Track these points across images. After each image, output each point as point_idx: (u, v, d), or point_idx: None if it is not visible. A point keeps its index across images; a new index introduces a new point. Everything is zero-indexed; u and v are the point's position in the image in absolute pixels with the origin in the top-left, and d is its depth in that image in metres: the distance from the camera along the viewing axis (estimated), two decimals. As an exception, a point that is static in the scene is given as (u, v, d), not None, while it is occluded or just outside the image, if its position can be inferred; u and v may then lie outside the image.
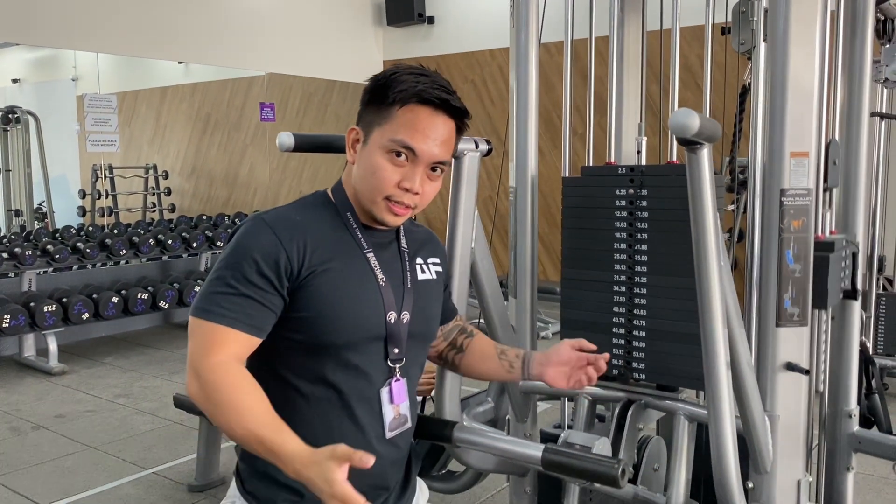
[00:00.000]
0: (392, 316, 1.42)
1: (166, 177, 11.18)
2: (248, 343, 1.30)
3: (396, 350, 1.43)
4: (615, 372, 1.99)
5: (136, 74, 11.82)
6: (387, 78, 1.34)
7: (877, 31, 4.43)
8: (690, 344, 1.86)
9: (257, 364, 1.34)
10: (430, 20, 8.76)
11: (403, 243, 1.49)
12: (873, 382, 2.38)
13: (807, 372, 1.75)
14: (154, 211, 10.91)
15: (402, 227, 1.49)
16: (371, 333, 1.40)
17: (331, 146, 1.65)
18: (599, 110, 2.18)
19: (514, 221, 2.12)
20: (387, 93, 1.33)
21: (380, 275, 1.42)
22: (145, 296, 6.19)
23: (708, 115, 2.02)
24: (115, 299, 5.99)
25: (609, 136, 2.15)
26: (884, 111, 5.06)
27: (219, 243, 6.99)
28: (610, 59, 2.48)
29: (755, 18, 2.65)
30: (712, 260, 1.49)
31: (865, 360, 2.30)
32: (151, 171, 11.12)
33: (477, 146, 1.82)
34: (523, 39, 2.08)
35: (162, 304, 6.30)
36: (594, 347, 1.54)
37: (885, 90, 5.03)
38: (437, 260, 1.56)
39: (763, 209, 1.78)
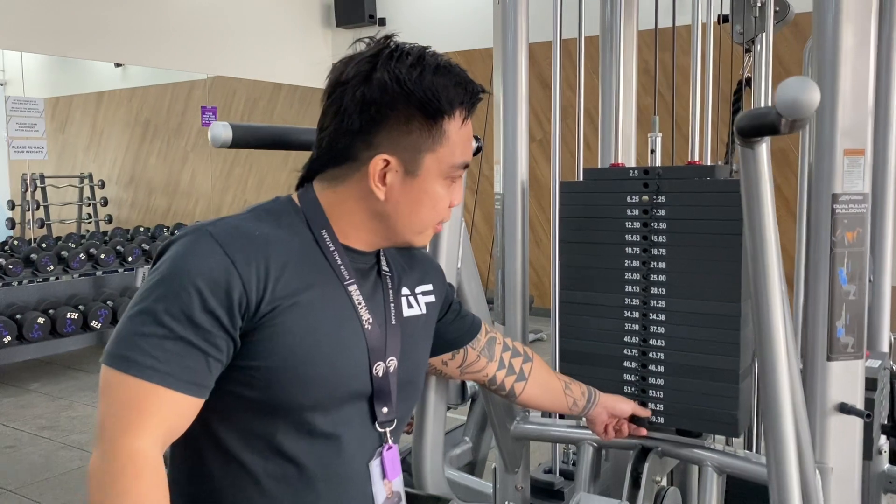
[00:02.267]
0: (379, 368, 1.08)
1: (102, 186, 10.66)
2: (186, 408, 0.95)
3: (386, 410, 1.10)
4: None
5: (70, 78, 11.32)
6: (425, 87, 1.02)
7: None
8: (720, 381, 1.54)
9: (188, 429, 0.98)
10: (382, 21, 8.43)
11: (385, 266, 1.16)
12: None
13: (868, 416, 1.44)
14: (90, 222, 10.37)
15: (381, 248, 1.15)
16: (351, 391, 1.06)
17: (281, 142, 1.28)
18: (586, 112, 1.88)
19: (500, 234, 1.78)
20: (439, 107, 1.03)
21: (365, 314, 1.07)
22: (75, 315, 5.68)
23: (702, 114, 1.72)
24: (41, 320, 5.48)
25: (616, 135, 1.83)
26: None
27: (157, 257, 6.51)
28: (610, 55, 2.18)
29: (759, 4, 2.39)
30: (774, 278, 1.18)
31: (892, 391, 2.02)
32: (87, 181, 10.59)
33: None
34: (511, 36, 1.76)
35: (94, 323, 5.80)
36: (648, 413, 1.59)
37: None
38: (428, 287, 1.24)
39: (809, 219, 1.47)
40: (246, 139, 1.21)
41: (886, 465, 2.04)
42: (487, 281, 2.29)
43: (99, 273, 6.40)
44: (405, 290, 1.18)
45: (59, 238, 7.53)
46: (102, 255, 6.21)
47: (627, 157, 2.24)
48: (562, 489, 2.05)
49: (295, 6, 8.59)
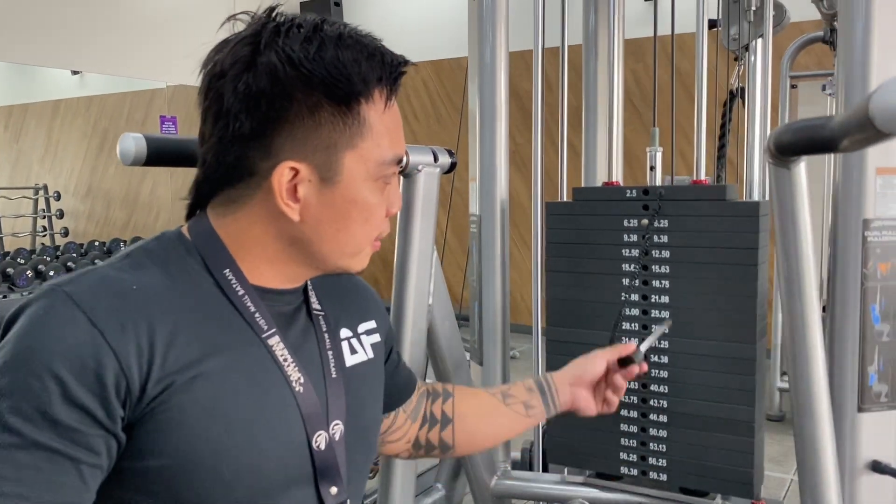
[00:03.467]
0: (321, 439, 0.84)
1: (58, 198, 10.30)
2: None
3: (335, 490, 0.86)
4: (626, 471, 1.45)
5: (24, 86, 10.98)
6: (326, 65, 0.77)
7: (830, 44, 4.12)
8: (732, 434, 1.34)
9: None
10: (349, 30, 8.20)
11: (315, 303, 0.91)
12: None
13: (907, 477, 1.24)
14: (45, 235, 10.00)
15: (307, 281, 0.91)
16: (287, 477, 0.82)
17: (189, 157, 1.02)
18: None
19: (477, 261, 1.57)
20: (350, 88, 0.78)
21: (293, 373, 0.83)
22: (21, 336, 5.34)
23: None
24: (-17, 341, 5.13)
25: (612, 151, 1.62)
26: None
27: (111, 273, 6.19)
28: (594, 65, 1.99)
29: (752, 9, 2.21)
30: (813, 312, 1.00)
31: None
32: (42, 192, 10.22)
33: (436, 158, 1.24)
34: (489, 44, 1.57)
35: (41, 345, 5.46)
36: (632, 348, 1.17)
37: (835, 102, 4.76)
38: (371, 325, 0.99)
39: (835, 248, 1.27)
40: (166, 154, 0.96)
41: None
42: (461, 299, 2.06)
43: (49, 291, 6.05)
44: (345, 332, 0.94)
45: (5, 254, 7.17)
46: (52, 273, 5.87)
47: (611, 173, 2.04)
48: (545, 546, 1.83)
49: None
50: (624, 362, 1.17)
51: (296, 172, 0.79)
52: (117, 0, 7.17)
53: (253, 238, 0.83)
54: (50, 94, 11.08)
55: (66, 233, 10.08)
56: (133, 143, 0.95)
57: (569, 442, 1.50)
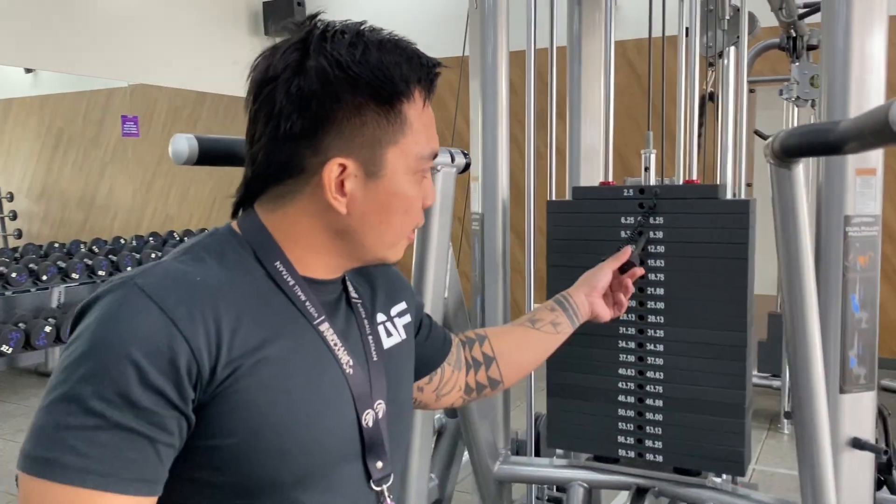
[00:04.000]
0: (369, 417, 0.90)
1: (11, 199, 10.06)
2: None
3: (380, 464, 0.92)
4: (623, 454, 1.54)
5: (-27, 85, 10.65)
6: (372, 68, 0.84)
7: (786, 50, 4.29)
8: (724, 416, 1.44)
9: None
10: (313, 31, 8.21)
11: (352, 292, 0.98)
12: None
13: (885, 453, 1.36)
14: (-3, 237, 9.76)
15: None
16: (340, 453, 0.88)
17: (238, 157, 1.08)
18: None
19: (479, 256, 1.64)
20: (393, 88, 0.84)
21: (343, 356, 0.90)
22: (-17, 339, 5.24)
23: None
24: (-57, 345, 5.04)
25: (606, 152, 1.71)
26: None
27: (74, 275, 6.09)
28: (578, 67, 2.08)
29: (726, 18, 2.33)
30: (811, 299, 1.09)
31: (880, 415, 1.97)
32: (-7, 194, 9.97)
33: (453, 159, 1.32)
34: (490, 45, 1.64)
35: (4, 347, 5.36)
36: (629, 252, 1.37)
37: (796, 109, 4.96)
38: (402, 307, 1.06)
39: (819, 242, 1.38)
40: (214, 154, 1.02)
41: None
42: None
43: (9, 293, 5.94)
44: (380, 317, 1.01)
45: (-38, 255, 7.00)
46: (14, 274, 5.77)
47: (595, 173, 2.14)
48: (539, 530, 1.91)
49: (221, 14, 8.30)
50: (624, 269, 1.36)
51: (343, 168, 0.85)
52: (78, -2, 7.06)
53: (301, 231, 0.89)
54: (1, 93, 10.81)
55: (19, 234, 9.86)
56: (186, 143, 1.00)
57: (568, 426, 1.58)
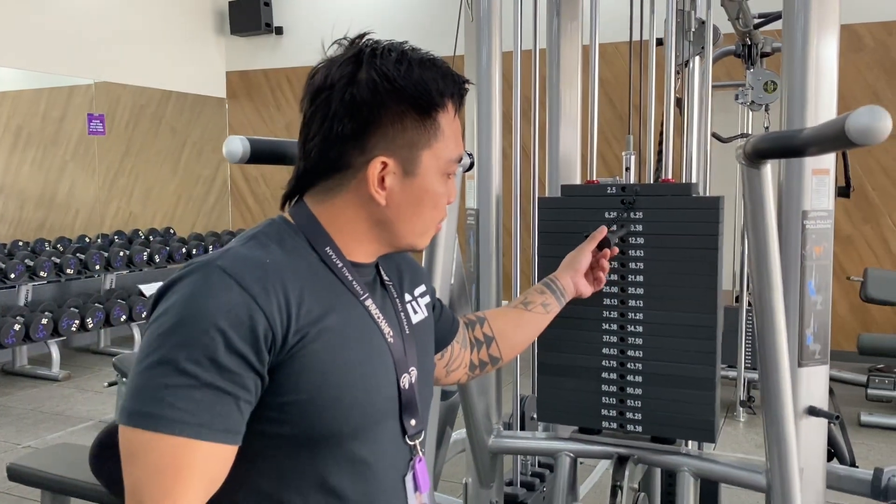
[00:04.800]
0: (405, 380, 1.06)
1: (-33, 197, 9.88)
2: (223, 458, 0.90)
3: (414, 422, 1.08)
4: (606, 425, 1.71)
5: (-73, 80, 10.43)
6: (414, 82, 0.99)
7: (741, 57, 4.54)
8: (697, 389, 1.61)
9: None
10: (279, 30, 8.27)
11: (384, 275, 1.14)
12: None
13: (837, 418, 1.55)
14: (-48, 236, 9.59)
15: None
16: (384, 409, 1.04)
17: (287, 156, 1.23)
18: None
19: (474, 249, 1.80)
20: (431, 100, 1.00)
21: (385, 327, 1.05)
22: (-49, 337, 5.23)
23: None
24: (-89, 343, 5.01)
25: (590, 153, 1.87)
26: (750, 133, 5.23)
27: (42, 273, 6.08)
28: (557, 71, 2.24)
29: (692, 30, 2.51)
30: (777, 284, 1.26)
31: (830, 391, 2.17)
32: (-51, 191, 9.79)
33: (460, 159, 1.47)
34: (485, 48, 1.79)
35: (-27, 345, 5.36)
36: (605, 231, 1.58)
37: (750, 113, 5.22)
38: (423, 288, 1.22)
39: (781, 235, 1.56)
40: (264, 154, 1.15)
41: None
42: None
43: (-26, 291, 5.92)
44: (407, 296, 1.17)
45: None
46: (-19, 272, 5.76)
47: (571, 173, 2.31)
48: (525, 501, 2.07)
49: (187, 12, 8.31)
50: (601, 247, 1.57)
51: (385, 165, 1.01)
52: (43, -5, 7.01)
53: (346, 220, 1.04)
54: (-44, 89, 10.58)
55: (-25, 233, 9.69)
56: (240, 144, 1.13)
57: (557, 402, 1.74)
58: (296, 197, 1.07)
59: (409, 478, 1.07)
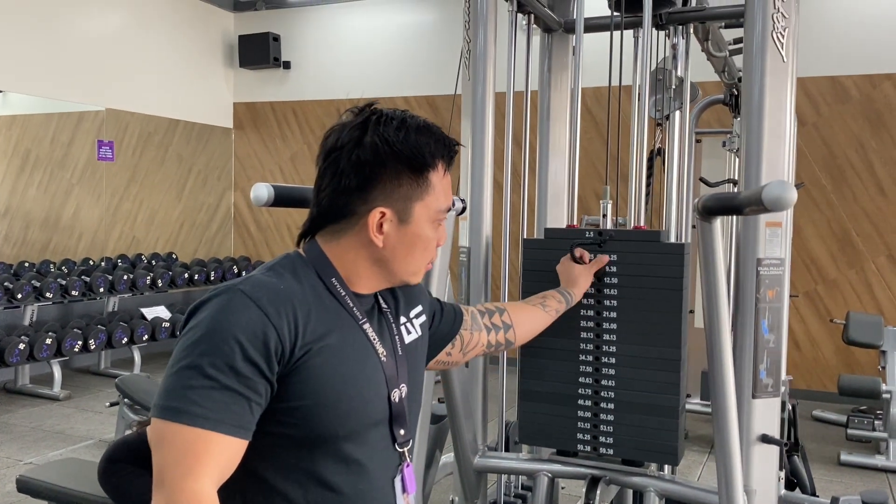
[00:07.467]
0: (396, 394, 1.24)
1: (-27, 217, 10.03)
2: (235, 450, 1.08)
3: (403, 431, 1.26)
4: (581, 448, 1.88)
5: (-61, 102, 10.64)
6: (410, 146, 1.19)
7: (729, 105, 4.77)
8: (662, 416, 1.79)
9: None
10: (287, 65, 8.53)
11: (383, 304, 1.32)
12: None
13: (786, 444, 1.72)
14: (-44, 255, 9.73)
15: None
16: (376, 418, 1.22)
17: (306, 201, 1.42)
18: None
19: (465, 285, 1.98)
20: (423, 161, 1.20)
21: (380, 348, 1.24)
22: (-42, 354, 5.37)
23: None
24: (-80, 359, 5.15)
25: (571, 198, 2.06)
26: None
27: (48, 294, 6.24)
28: (546, 116, 2.43)
29: (672, 87, 2.73)
30: (725, 330, 1.44)
31: (788, 420, 2.34)
32: (-44, 212, 9.94)
33: (453, 204, 1.66)
34: (480, 89, 1.98)
35: (-22, 363, 5.49)
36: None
37: (737, 159, 5.44)
38: (419, 309, 1.41)
39: (737, 280, 1.75)
40: (286, 199, 1.34)
41: (783, 491, 2.34)
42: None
43: (-20, 311, 6.07)
44: (402, 319, 1.35)
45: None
46: (-13, 291, 5.91)
47: (560, 216, 2.50)
48: (508, 519, 2.23)
49: (198, 45, 8.57)
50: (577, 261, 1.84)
51: (383, 214, 1.20)
52: (52, 22, 7.24)
53: (349, 258, 1.23)
54: (-32, 112, 10.79)
55: (-20, 253, 9.83)
56: (266, 190, 1.33)
57: (535, 425, 1.91)
58: (309, 236, 1.26)
59: (398, 480, 1.24)
